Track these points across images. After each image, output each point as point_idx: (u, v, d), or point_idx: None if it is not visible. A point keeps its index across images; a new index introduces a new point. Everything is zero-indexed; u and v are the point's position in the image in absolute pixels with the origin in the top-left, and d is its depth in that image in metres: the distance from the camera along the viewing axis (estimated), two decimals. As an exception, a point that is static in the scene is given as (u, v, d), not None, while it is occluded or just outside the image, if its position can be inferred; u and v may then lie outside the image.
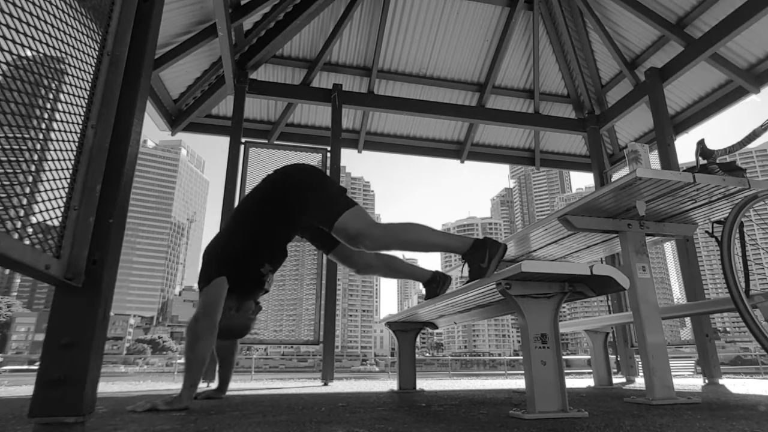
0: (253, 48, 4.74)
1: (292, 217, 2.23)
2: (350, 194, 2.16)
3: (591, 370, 3.63)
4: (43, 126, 0.97)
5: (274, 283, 4.52)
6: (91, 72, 1.16)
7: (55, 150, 1.00)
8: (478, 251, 1.88)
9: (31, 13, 0.90)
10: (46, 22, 0.95)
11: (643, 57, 4.94)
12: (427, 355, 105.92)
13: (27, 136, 0.90)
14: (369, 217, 2.04)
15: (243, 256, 2.20)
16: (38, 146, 0.96)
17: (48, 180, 0.98)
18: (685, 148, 2.87)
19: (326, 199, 2.09)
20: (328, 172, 4.74)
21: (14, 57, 0.83)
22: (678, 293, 4.50)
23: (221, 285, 2.08)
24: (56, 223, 1.02)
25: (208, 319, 2.01)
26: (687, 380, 4.47)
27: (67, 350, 1.02)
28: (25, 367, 49.66)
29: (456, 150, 6.25)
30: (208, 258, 2.19)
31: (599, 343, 3.48)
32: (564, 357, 1.96)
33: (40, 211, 0.96)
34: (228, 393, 2.66)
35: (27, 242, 0.91)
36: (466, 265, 1.90)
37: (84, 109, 1.12)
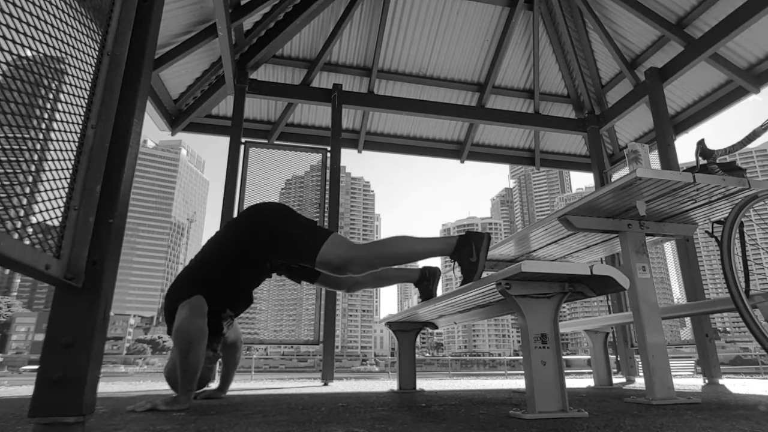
0: (253, 48, 4.74)
1: (262, 260, 2.12)
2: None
3: (591, 370, 3.63)
4: (43, 126, 0.97)
5: (275, 284, 4.52)
6: (91, 72, 1.16)
7: (55, 150, 1.00)
8: (464, 248, 1.87)
9: (31, 13, 0.90)
10: (46, 22, 0.95)
11: (643, 57, 4.94)
12: (427, 355, 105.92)
13: (27, 136, 0.90)
14: (348, 241, 2.00)
15: (206, 297, 2.04)
16: (38, 146, 0.96)
17: (48, 180, 0.98)
18: (685, 148, 2.87)
19: (301, 236, 2.01)
20: (328, 173, 4.74)
21: (14, 57, 0.83)
22: (678, 293, 4.50)
23: (197, 298, 1.98)
24: (56, 223, 1.02)
25: (197, 321, 1.94)
26: (687, 380, 4.47)
27: (67, 350, 1.02)
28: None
29: (456, 150, 6.25)
30: (171, 297, 2.06)
31: (599, 343, 3.48)
32: (564, 357, 1.96)
33: (40, 211, 0.96)
34: (228, 393, 2.66)
35: (27, 242, 0.91)
36: (457, 265, 1.90)
37: (84, 109, 1.12)
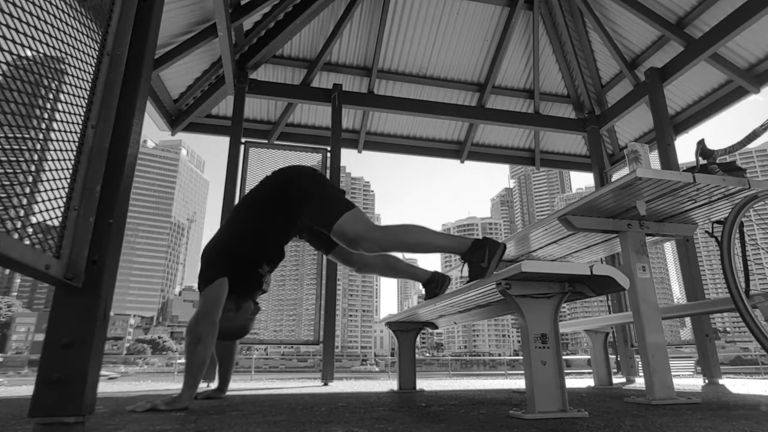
0: (253, 48, 4.74)
1: (290, 218, 2.22)
2: (349, 195, 2.14)
3: (591, 370, 3.63)
4: (43, 126, 0.97)
5: (274, 283, 4.52)
6: (91, 72, 1.16)
7: (55, 150, 1.00)
8: (478, 251, 1.88)
9: (31, 13, 0.90)
10: (46, 22, 0.95)
11: (643, 57, 4.94)
12: (427, 355, 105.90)
13: (27, 136, 0.90)
14: (368, 219, 2.04)
15: (241, 256, 2.20)
16: (38, 146, 0.96)
17: (48, 180, 0.98)
18: (685, 148, 2.87)
19: (325, 201, 2.08)
20: (328, 173, 4.74)
21: (14, 57, 0.83)
22: (678, 293, 4.50)
23: (221, 286, 2.08)
24: (56, 223, 1.02)
25: (209, 320, 2.01)
26: (687, 380, 4.47)
27: (67, 350, 1.02)
28: None
29: (456, 150, 6.25)
30: (207, 259, 2.18)
31: (599, 343, 3.48)
32: (564, 357, 1.96)
33: (40, 211, 0.96)
34: (228, 393, 2.66)
35: (27, 242, 0.91)
36: (466, 266, 1.90)
37: (84, 109, 1.12)
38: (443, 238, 2.01)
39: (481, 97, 5.67)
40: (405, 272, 2.43)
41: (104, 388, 3.45)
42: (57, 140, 1.01)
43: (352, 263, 2.40)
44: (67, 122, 1.04)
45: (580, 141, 6.36)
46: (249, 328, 2.41)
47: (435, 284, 2.30)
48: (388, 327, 3.10)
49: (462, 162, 6.28)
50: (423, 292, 2.38)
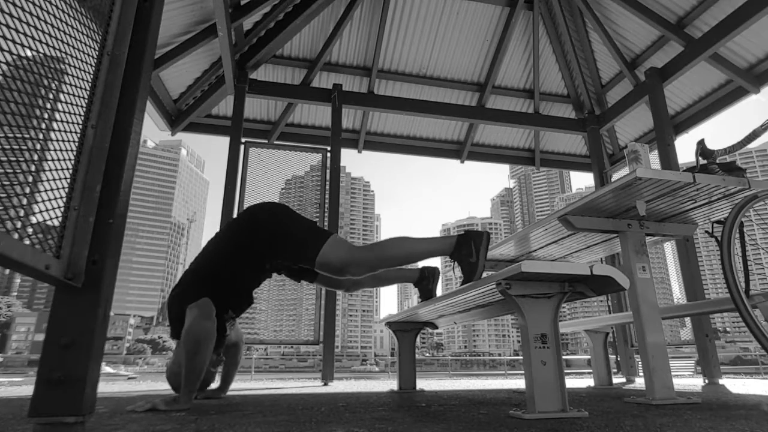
0: (253, 48, 4.74)
1: (262, 262, 2.12)
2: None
3: (591, 370, 3.63)
4: (43, 126, 0.97)
5: (275, 284, 4.52)
6: (91, 72, 1.16)
7: (55, 150, 1.00)
8: (464, 247, 1.87)
9: (31, 13, 0.90)
10: (46, 22, 0.95)
11: (643, 57, 4.94)
12: (427, 355, 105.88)
13: (27, 136, 0.90)
14: (348, 243, 2.00)
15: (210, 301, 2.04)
16: (38, 146, 0.96)
17: (48, 180, 0.98)
18: (685, 148, 2.87)
19: (302, 237, 2.01)
20: (328, 173, 4.74)
21: (14, 57, 0.83)
22: (678, 293, 4.50)
23: (207, 300, 1.99)
24: (56, 223, 1.02)
25: (205, 323, 1.95)
26: (687, 380, 4.47)
27: (67, 350, 1.02)
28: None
29: (456, 150, 6.25)
30: (180, 299, 2.05)
31: (599, 343, 3.48)
32: (564, 357, 1.96)
33: (40, 211, 0.96)
34: (228, 393, 2.66)
35: (27, 242, 0.91)
36: (457, 265, 1.89)
37: (84, 109, 1.12)
38: (427, 243, 1.98)
39: (481, 97, 5.67)
40: (395, 278, 2.40)
41: (104, 388, 3.45)
42: (57, 140, 1.01)
43: (340, 286, 2.36)
44: (67, 122, 1.04)
45: (580, 141, 6.36)
46: (210, 381, 2.32)
47: (426, 281, 2.30)
48: (388, 327, 3.10)
49: (462, 162, 6.28)
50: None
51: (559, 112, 6.01)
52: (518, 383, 4.02)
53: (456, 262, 1.90)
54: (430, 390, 3.10)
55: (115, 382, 4.83)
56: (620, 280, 1.54)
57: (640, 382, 3.82)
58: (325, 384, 3.92)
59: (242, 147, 4.57)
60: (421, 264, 2.37)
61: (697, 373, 6.58)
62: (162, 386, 3.75)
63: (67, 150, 1.05)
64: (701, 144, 2.10)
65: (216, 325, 2.00)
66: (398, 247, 1.97)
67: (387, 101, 5.25)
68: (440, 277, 2.35)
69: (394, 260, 1.97)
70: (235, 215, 4.08)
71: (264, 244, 2.06)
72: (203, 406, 2.02)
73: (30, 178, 0.92)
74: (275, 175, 4.73)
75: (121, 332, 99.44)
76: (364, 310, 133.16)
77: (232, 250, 2.11)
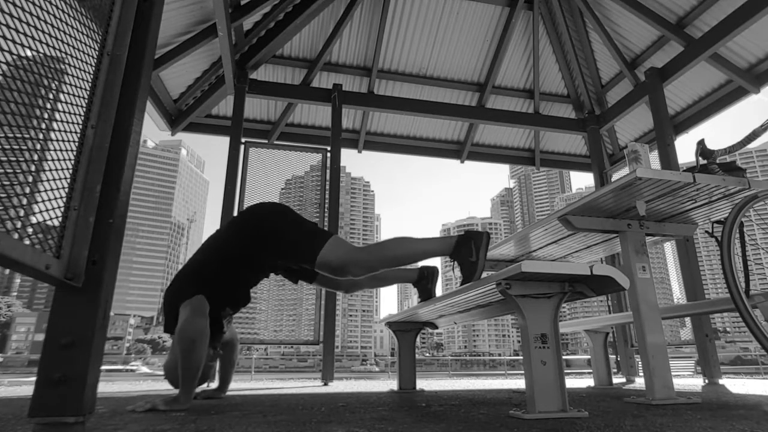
0: (253, 48, 4.74)
1: (262, 260, 2.13)
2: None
3: (591, 370, 3.63)
4: (43, 126, 0.97)
5: (274, 283, 4.52)
6: (91, 72, 1.16)
7: (55, 150, 1.00)
8: (464, 247, 1.87)
9: (31, 13, 0.90)
10: (46, 22, 0.95)
11: (643, 57, 4.94)
12: (427, 355, 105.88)
13: (27, 136, 0.90)
14: (348, 244, 2.00)
15: (205, 298, 2.05)
16: (38, 146, 0.96)
17: (48, 180, 0.98)
18: (685, 148, 2.87)
19: (302, 237, 2.01)
20: (328, 173, 4.74)
21: (14, 57, 0.83)
22: (678, 293, 4.50)
23: (199, 298, 2.00)
24: (56, 223, 1.02)
25: (199, 322, 1.95)
26: (687, 380, 4.46)
27: (67, 350, 1.02)
28: (119, 367, 46.49)
29: (456, 150, 6.25)
30: (170, 299, 2.06)
31: (599, 343, 3.48)
32: (564, 357, 1.96)
33: (40, 211, 0.96)
34: (228, 393, 2.66)
35: (27, 242, 0.91)
36: (457, 265, 1.89)
37: (84, 109, 1.12)
38: (427, 243, 1.98)
39: (481, 97, 5.67)
40: (394, 278, 2.39)
41: (104, 388, 3.45)
42: (57, 140, 1.01)
43: (339, 287, 2.36)
44: (67, 122, 1.04)
45: (580, 141, 6.36)
46: (208, 376, 2.31)
47: (425, 281, 2.29)
48: (388, 327, 3.10)
49: (462, 162, 6.28)
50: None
51: (559, 112, 6.01)
52: (518, 383, 4.02)
53: (456, 262, 1.89)
54: (430, 390, 3.10)
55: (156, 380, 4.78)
56: (620, 280, 1.54)
57: (640, 382, 3.82)
58: (325, 384, 3.92)
59: (242, 147, 4.58)
60: (420, 264, 2.37)
61: (697, 373, 6.58)
62: (162, 386, 3.75)
63: (67, 150, 1.05)
64: (701, 144, 2.10)
65: (210, 321, 2.01)
66: (398, 247, 1.97)
67: (387, 101, 5.25)
68: (440, 277, 2.34)
69: (394, 260, 1.97)
70: (235, 214, 4.09)
71: (263, 243, 2.06)
72: (203, 406, 2.02)
73: (30, 178, 0.92)
74: (275, 175, 4.73)
75: (121, 332, 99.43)
76: (364, 310, 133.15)
77: (231, 247, 2.11)
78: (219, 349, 2.34)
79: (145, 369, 41.83)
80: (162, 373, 2.21)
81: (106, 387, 3.58)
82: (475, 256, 1.83)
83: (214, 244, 2.17)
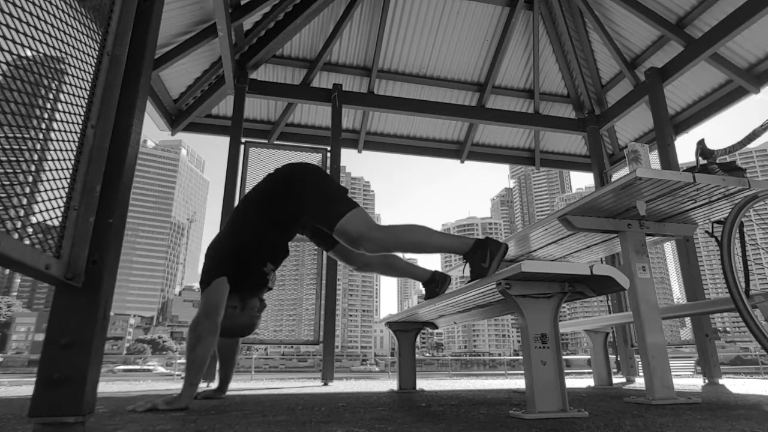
0: (253, 48, 4.74)
1: (293, 216, 2.22)
2: (350, 194, 2.15)
3: (591, 370, 3.63)
4: (43, 126, 0.97)
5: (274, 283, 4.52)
6: (91, 72, 1.16)
7: (55, 150, 1.00)
8: (479, 251, 1.88)
9: (31, 13, 0.90)
10: (46, 22, 0.95)
11: (643, 57, 4.94)
12: (427, 355, 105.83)
13: (27, 136, 0.90)
14: (370, 219, 2.03)
15: (245, 255, 2.19)
16: (38, 146, 0.96)
17: (48, 180, 0.98)
18: (685, 148, 2.87)
19: (327, 200, 2.08)
20: (328, 173, 4.74)
21: (14, 57, 0.83)
22: (678, 293, 4.50)
23: (222, 285, 2.08)
24: (56, 223, 1.02)
25: (210, 320, 2.01)
26: (687, 380, 4.46)
27: (67, 350, 1.02)
28: (136, 367, 45.70)
29: (456, 150, 6.25)
30: (210, 258, 2.18)
31: (599, 343, 3.48)
32: (564, 357, 1.95)
33: (40, 211, 0.96)
34: (228, 393, 2.66)
35: (27, 242, 0.91)
36: (468, 266, 1.90)
37: (84, 109, 1.12)
38: (445, 238, 2.01)
39: (481, 97, 5.67)
40: (405, 271, 2.43)
41: (104, 388, 3.45)
42: (57, 140, 1.01)
43: (353, 262, 2.40)
44: (67, 122, 1.04)
45: (580, 141, 6.36)
46: (255, 326, 2.40)
47: (435, 284, 2.30)
48: (388, 327, 3.10)
49: (462, 162, 6.29)
50: (423, 291, 2.38)
51: (559, 112, 6.01)
52: (518, 383, 4.02)
53: (467, 263, 1.90)
54: (430, 390, 3.10)
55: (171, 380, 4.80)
56: (620, 280, 1.54)
57: (640, 382, 3.82)
58: (325, 384, 3.92)
59: (242, 147, 4.58)
60: (434, 268, 2.41)
61: (697, 373, 6.58)
62: (162, 386, 3.75)
63: (67, 150, 1.05)
64: (701, 144, 2.10)
65: (252, 275, 2.20)
66: (416, 234, 1.99)
67: (387, 101, 5.25)
68: (450, 286, 2.35)
69: (409, 245, 2.00)
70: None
71: (296, 197, 2.15)
72: (203, 406, 2.02)
73: (30, 178, 0.92)
74: (275, 175, 4.73)
75: (121, 332, 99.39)
76: (364, 310, 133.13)
77: (267, 201, 2.21)
78: (264, 302, 2.42)
79: (161, 369, 41.38)
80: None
81: (106, 387, 3.58)
82: (487, 263, 1.83)
83: (249, 203, 2.27)
